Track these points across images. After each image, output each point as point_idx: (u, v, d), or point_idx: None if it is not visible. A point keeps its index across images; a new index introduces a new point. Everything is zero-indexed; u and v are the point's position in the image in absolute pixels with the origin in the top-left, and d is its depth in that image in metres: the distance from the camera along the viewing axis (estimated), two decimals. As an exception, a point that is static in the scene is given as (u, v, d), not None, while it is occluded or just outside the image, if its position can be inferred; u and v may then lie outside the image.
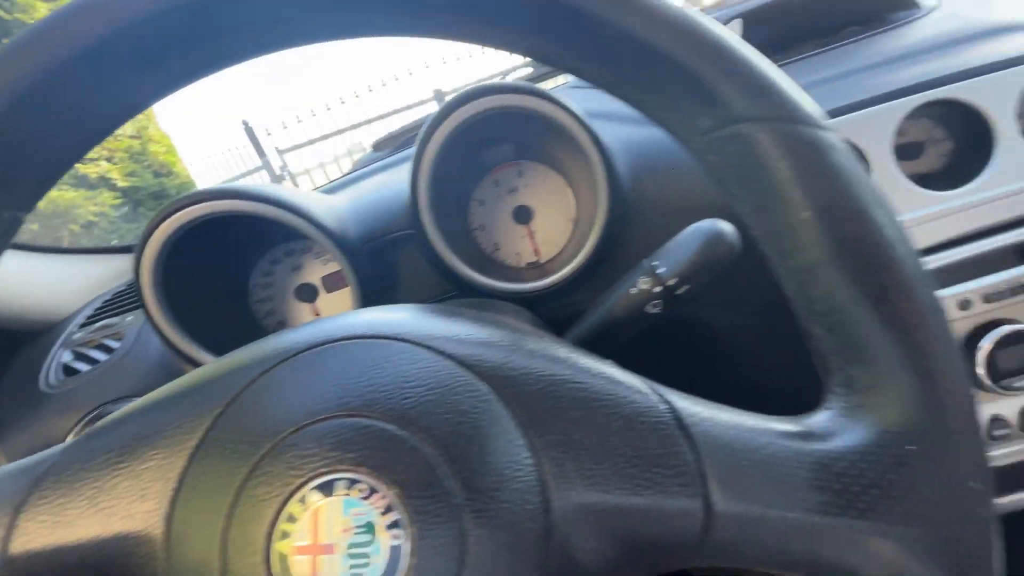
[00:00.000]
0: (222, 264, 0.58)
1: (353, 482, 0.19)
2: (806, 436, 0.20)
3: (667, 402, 0.22)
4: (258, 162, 5.40)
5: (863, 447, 0.19)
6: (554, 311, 0.54)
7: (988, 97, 0.42)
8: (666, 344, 0.43)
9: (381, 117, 5.39)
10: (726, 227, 0.33)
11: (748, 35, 0.52)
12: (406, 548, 0.19)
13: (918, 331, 0.19)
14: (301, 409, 0.21)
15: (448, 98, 0.44)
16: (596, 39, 0.22)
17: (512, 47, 0.23)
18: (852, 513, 0.19)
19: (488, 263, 0.63)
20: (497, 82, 0.42)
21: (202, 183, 5.49)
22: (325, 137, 5.46)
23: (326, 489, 0.19)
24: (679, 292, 0.34)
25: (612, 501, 0.20)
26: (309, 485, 0.19)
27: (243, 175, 5.48)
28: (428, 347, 0.22)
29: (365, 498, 0.19)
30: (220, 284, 0.59)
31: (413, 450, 0.20)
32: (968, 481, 0.19)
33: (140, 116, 5.31)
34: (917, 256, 0.20)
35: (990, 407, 0.45)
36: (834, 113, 0.43)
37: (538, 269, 0.62)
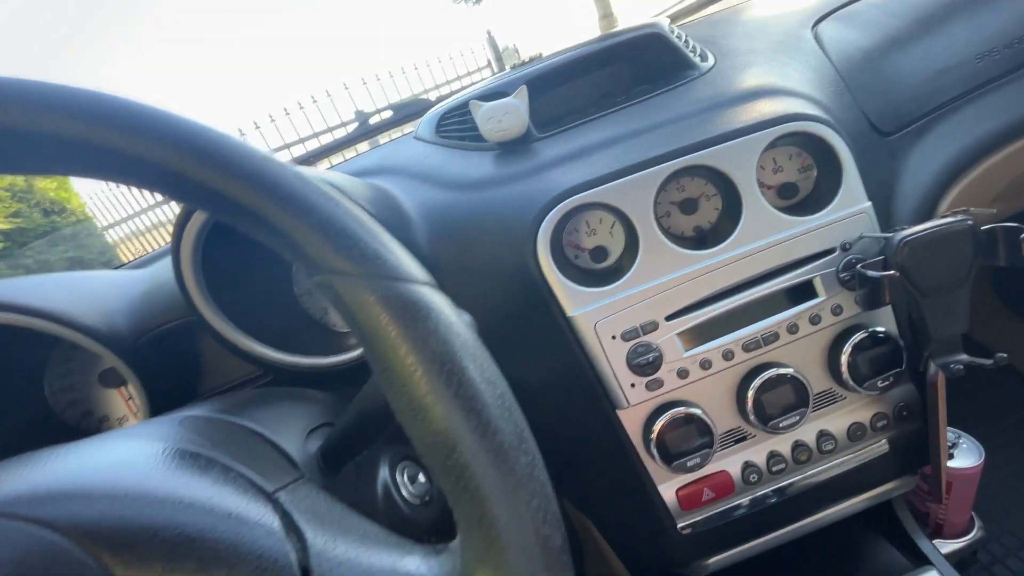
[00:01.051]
0: (8, 361, 0.52)
1: None
2: None
3: (303, 546, 0.22)
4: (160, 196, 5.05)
5: None
6: None
7: (732, 162, 0.45)
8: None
9: (301, 140, 5.22)
10: (465, 317, 0.34)
11: (535, 101, 0.54)
12: None
13: (504, 473, 0.20)
14: None
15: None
16: (216, 200, 0.21)
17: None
18: None
19: (316, 328, 0.61)
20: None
21: (102, 219, 5.05)
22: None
23: None
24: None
25: None
26: None
27: (146, 209, 5.11)
28: (19, 518, 0.21)
29: None
30: (10, 381, 0.53)
31: None
32: None
33: (24, 150, 4.84)
34: (503, 398, 0.21)
35: (766, 445, 0.48)
36: (602, 180, 0.45)
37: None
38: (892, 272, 0.39)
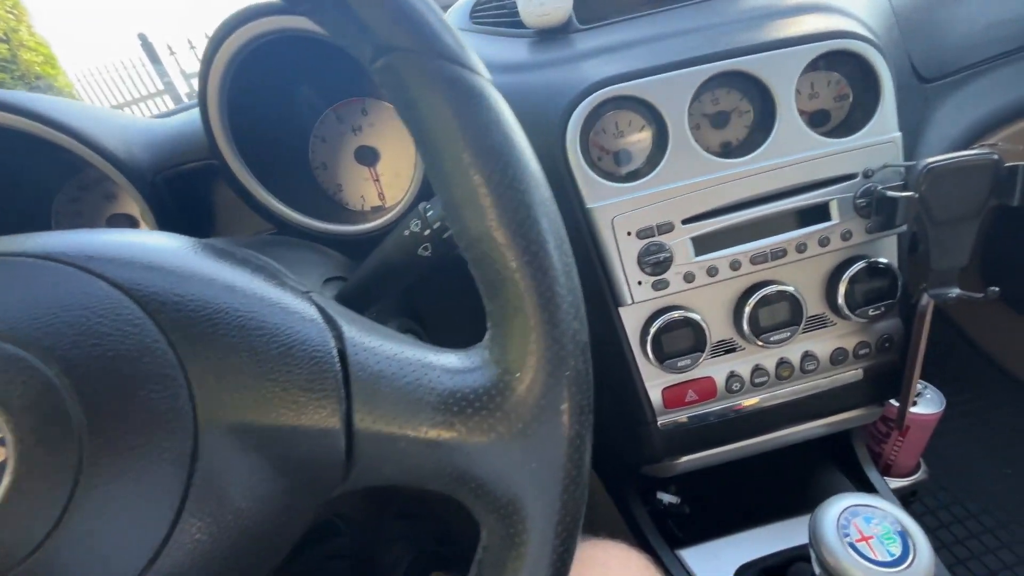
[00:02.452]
0: (17, 185, 0.52)
1: None
2: (449, 370, 0.22)
3: (339, 334, 0.23)
4: (160, 85, 4.82)
5: (483, 376, 0.21)
6: None
7: (774, 72, 0.45)
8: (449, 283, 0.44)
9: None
10: None
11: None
12: (9, 466, 0.18)
13: (539, 270, 0.21)
14: None
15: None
16: None
17: None
18: (462, 431, 0.21)
19: (329, 204, 0.61)
20: (275, 2, 0.39)
21: (90, 103, 4.83)
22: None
23: None
24: (445, 236, 0.35)
25: (259, 423, 0.21)
26: None
27: (141, 99, 4.87)
28: (82, 268, 0.21)
29: (-33, 416, 0.18)
30: (16, 207, 0.53)
31: (30, 370, 0.19)
32: (559, 405, 0.21)
33: (9, 17, 4.50)
34: (550, 202, 0.22)
35: (753, 358, 0.51)
36: (641, 73, 0.44)
37: (383, 213, 0.61)
38: (911, 194, 0.40)
